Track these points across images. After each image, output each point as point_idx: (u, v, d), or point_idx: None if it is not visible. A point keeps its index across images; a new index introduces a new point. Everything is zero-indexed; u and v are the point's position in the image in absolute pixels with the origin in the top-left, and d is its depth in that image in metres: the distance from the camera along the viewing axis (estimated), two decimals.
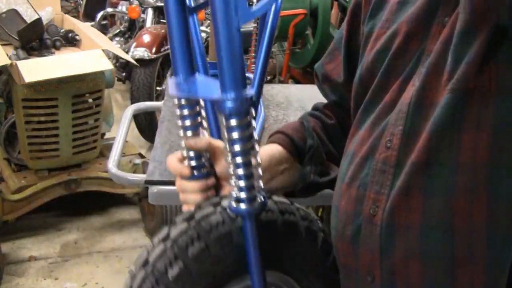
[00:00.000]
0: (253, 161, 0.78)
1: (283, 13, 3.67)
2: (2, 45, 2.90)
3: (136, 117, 3.79)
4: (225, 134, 0.76)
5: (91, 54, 2.77)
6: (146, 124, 3.94)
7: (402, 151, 0.81)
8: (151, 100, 3.82)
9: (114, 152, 1.80)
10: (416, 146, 0.79)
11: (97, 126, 2.98)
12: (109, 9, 4.97)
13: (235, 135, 0.74)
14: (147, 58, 3.86)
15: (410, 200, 0.79)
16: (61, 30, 3.28)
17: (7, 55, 2.76)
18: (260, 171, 0.80)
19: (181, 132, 0.85)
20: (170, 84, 0.78)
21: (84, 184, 3.01)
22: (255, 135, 0.77)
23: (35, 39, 3.09)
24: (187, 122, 0.84)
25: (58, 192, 2.97)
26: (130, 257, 2.98)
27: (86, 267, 2.88)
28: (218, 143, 0.88)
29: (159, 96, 3.99)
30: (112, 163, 1.74)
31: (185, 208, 0.90)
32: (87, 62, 2.69)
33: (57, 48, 3.17)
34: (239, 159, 0.76)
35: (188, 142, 0.85)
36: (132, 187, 3.06)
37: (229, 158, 0.77)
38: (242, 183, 0.77)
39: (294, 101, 2.22)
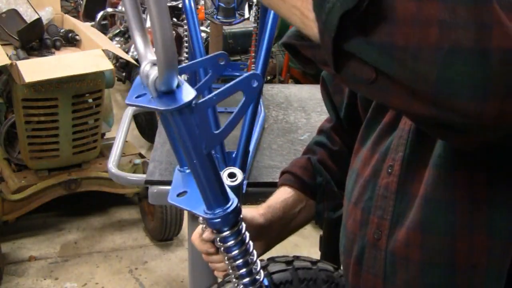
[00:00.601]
0: (250, 258, 0.82)
1: None
2: (2, 45, 2.89)
3: (136, 117, 3.79)
4: (219, 243, 0.80)
5: (91, 54, 2.77)
6: (146, 124, 3.94)
7: (403, 178, 0.81)
8: None
9: (114, 152, 1.80)
10: (416, 176, 0.79)
11: (97, 126, 2.98)
12: (109, 9, 4.97)
13: (230, 243, 0.79)
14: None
15: (409, 234, 0.79)
16: (61, 30, 3.27)
17: (7, 55, 2.75)
18: (259, 264, 0.83)
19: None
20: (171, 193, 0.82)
21: (84, 184, 3.01)
22: (247, 237, 0.81)
23: (35, 39, 3.09)
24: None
25: (58, 192, 2.96)
26: (130, 257, 2.98)
27: (86, 267, 2.88)
28: None
29: None
30: (112, 163, 1.74)
31: (216, 274, 1.00)
32: (87, 62, 2.69)
33: (57, 48, 3.16)
34: (239, 262, 0.80)
35: (204, 237, 0.96)
36: (132, 187, 3.05)
37: (228, 262, 0.81)
38: (245, 280, 0.81)
39: (294, 101, 2.22)
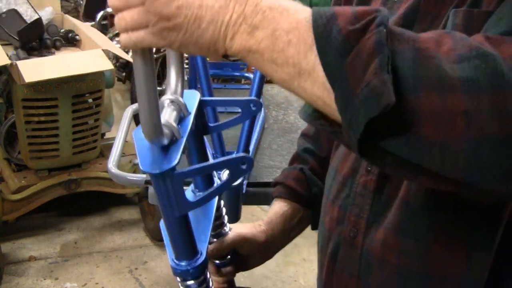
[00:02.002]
0: None
1: None
2: (2, 45, 2.90)
3: (136, 117, 3.78)
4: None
5: (91, 54, 2.77)
6: None
7: (382, 176, 0.80)
8: None
9: (114, 152, 1.80)
10: (396, 177, 0.78)
11: (97, 126, 2.98)
12: (109, 9, 4.95)
13: None
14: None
15: (386, 235, 0.78)
16: (61, 30, 3.27)
17: (7, 55, 2.75)
18: None
19: None
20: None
21: (84, 184, 3.01)
22: (211, 283, 0.83)
23: (35, 39, 3.09)
24: None
25: (58, 192, 2.97)
26: (130, 257, 2.98)
27: (86, 267, 2.88)
28: (232, 239, 0.98)
29: (159, 96, 3.98)
30: (112, 163, 1.74)
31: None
32: (87, 62, 2.69)
33: (57, 48, 3.16)
34: None
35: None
36: (132, 187, 3.05)
37: None
38: None
39: (294, 101, 2.23)
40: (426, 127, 0.55)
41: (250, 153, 1.65)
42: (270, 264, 3.08)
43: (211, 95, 1.74)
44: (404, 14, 0.78)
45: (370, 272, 0.81)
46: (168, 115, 0.70)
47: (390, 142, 0.57)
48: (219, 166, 0.72)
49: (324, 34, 0.57)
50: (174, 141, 0.68)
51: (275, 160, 1.69)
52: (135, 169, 3.02)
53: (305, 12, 0.59)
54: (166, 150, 0.67)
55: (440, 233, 0.74)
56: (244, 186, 1.56)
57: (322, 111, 0.61)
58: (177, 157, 0.66)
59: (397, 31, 0.57)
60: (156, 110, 0.64)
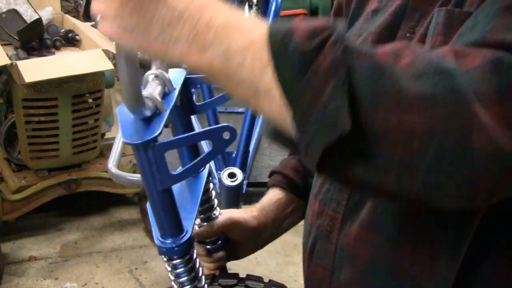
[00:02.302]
0: (200, 286, 0.84)
1: (283, 13, 3.67)
2: (2, 45, 2.89)
3: None
4: (169, 268, 0.82)
5: (91, 54, 2.77)
6: None
7: None
8: None
9: (114, 152, 1.80)
10: None
11: (97, 126, 2.98)
12: None
13: (179, 270, 0.82)
14: (147, 58, 3.85)
15: (360, 230, 0.79)
16: (61, 30, 3.27)
17: (7, 55, 2.75)
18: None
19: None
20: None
21: (84, 184, 3.01)
22: (198, 264, 0.83)
23: (35, 39, 3.09)
24: None
25: (58, 192, 2.97)
26: (130, 257, 2.98)
27: (86, 267, 2.88)
28: (222, 222, 0.97)
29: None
30: (112, 163, 1.74)
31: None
32: (87, 62, 2.69)
33: (57, 48, 3.16)
34: (187, 287, 0.84)
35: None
36: (132, 187, 3.06)
37: (177, 286, 0.85)
38: None
39: None
40: (382, 149, 0.54)
41: (250, 153, 1.65)
42: (270, 264, 3.08)
43: (211, 96, 1.74)
44: (394, 11, 0.79)
45: (342, 267, 0.82)
46: (152, 89, 0.69)
47: (347, 165, 0.56)
48: (201, 136, 0.71)
49: (280, 52, 0.54)
50: (157, 114, 0.68)
51: (275, 160, 1.69)
52: (135, 169, 3.02)
53: (262, 29, 0.56)
54: (148, 122, 0.67)
55: (407, 235, 0.74)
56: (244, 186, 1.56)
57: (282, 128, 0.59)
58: (159, 128, 0.66)
59: (353, 46, 0.55)
60: (136, 77, 0.63)
